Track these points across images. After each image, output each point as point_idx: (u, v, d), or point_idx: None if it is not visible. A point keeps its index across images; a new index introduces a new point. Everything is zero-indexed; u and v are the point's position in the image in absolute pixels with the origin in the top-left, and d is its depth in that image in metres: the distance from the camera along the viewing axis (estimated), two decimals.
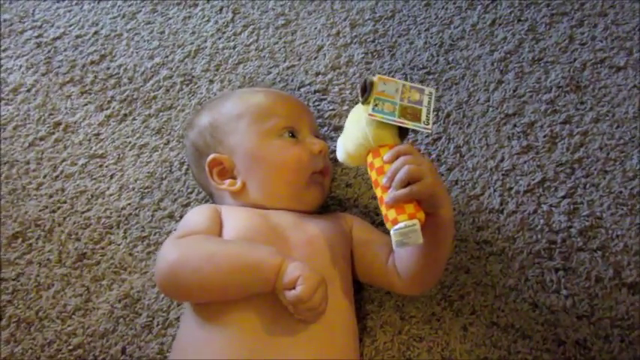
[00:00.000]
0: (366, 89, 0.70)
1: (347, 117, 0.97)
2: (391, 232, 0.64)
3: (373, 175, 0.69)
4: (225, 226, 0.76)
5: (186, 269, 0.68)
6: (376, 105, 0.69)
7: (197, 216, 0.77)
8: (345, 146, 0.74)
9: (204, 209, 0.79)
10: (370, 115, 0.69)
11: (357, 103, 0.99)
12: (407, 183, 0.65)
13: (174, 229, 0.87)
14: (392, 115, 0.69)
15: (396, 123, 0.69)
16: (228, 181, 0.82)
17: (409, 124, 0.69)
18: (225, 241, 0.73)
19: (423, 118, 0.70)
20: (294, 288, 0.64)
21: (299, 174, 0.81)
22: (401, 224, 0.63)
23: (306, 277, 0.63)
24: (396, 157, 0.67)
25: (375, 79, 0.71)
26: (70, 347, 0.82)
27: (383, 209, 0.66)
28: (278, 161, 0.80)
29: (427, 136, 0.96)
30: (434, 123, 0.97)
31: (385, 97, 0.70)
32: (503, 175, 0.92)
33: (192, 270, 0.68)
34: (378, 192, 0.68)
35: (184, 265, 0.68)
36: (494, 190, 0.91)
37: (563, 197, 0.90)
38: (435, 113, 0.98)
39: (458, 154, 0.95)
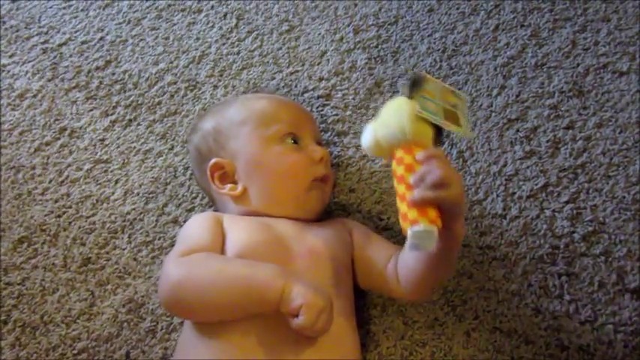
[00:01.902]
0: (416, 84, 0.68)
1: (350, 122, 0.98)
2: (408, 232, 0.62)
3: (399, 170, 0.67)
4: (229, 237, 0.75)
5: (189, 290, 0.68)
6: (421, 103, 0.68)
7: (199, 229, 0.76)
8: (377, 133, 0.70)
9: (206, 220, 0.78)
10: (419, 112, 0.66)
11: (360, 108, 1.00)
12: (435, 187, 0.63)
13: (177, 235, 0.87)
14: (437, 116, 0.67)
15: (442, 125, 0.67)
16: (229, 186, 0.82)
17: (453, 128, 0.68)
18: (228, 261, 0.72)
19: (463, 123, 0.69)
20: (297, 316, 0.63)
21: (299, 180, 0.81)
22: (420, 226, 0.62)
23: (308, 307, 0.63)
24: (429, 159, 0.65)
25: (426, 75, 0.69)
26: (75, 351, 0.83)
27: (403, 207, 0.64)
28: (278, 167, 0.80)
29: None
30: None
31: (429, 97, 0.68)
32: (506, 180, 0.93)
33: (195, 291, 0.68)
34: (401, 188, 0.66)
35: (187, 286, 0.68)
36: (497, 195, 0.91)
37: (566, 202, 0.90)
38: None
39: (461, 159, 0.95)
